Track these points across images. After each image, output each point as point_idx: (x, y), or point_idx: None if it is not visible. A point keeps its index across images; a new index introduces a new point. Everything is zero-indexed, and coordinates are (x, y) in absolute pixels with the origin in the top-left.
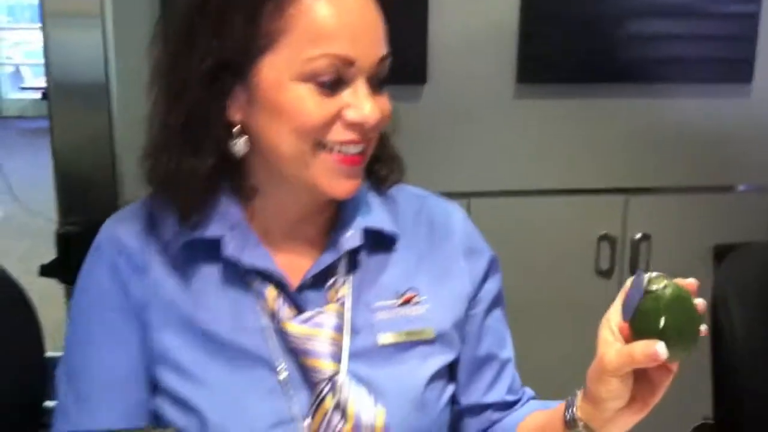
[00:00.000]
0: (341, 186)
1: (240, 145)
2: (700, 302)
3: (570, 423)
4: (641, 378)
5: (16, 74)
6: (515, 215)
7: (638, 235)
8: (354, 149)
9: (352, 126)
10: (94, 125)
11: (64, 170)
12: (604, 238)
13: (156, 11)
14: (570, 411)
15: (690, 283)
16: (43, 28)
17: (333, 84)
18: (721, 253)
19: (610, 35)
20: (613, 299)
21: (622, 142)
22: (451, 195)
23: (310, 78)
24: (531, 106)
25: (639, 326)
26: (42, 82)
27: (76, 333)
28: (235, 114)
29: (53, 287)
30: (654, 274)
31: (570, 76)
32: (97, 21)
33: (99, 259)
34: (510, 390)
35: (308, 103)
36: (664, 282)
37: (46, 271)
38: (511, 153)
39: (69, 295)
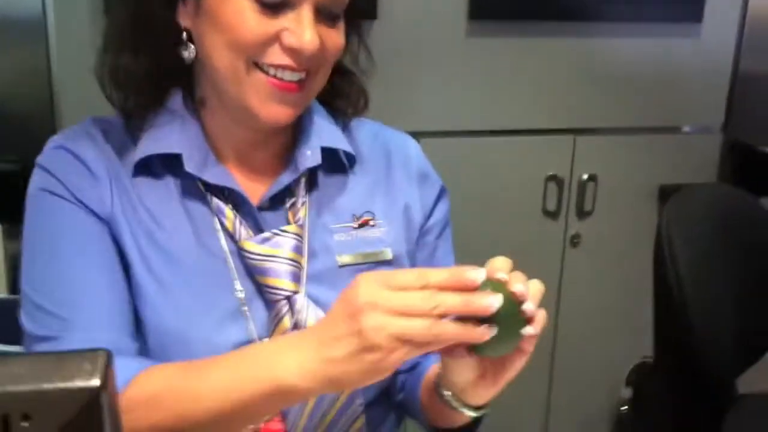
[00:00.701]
0: (272, 110)
1: (188, 51)
2: (517, 291)
3: (437, 391)
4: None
5: None
6: (464, 155)
7: (585, 176)
8: (290, 76)
9: (289, 51)
10: (31, 60)
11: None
12: (551, 178)
13: None
14: (437, 380)
15: (502, 278)
16: None
17: (276, 5)
18: (666, 194)
19: None
20: (559, 240)
21: (572, 81)
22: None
23: None
24: (482, 44)
25: None
26: None
27: (44, 243)
28: (185, 19)
29: None
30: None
31: (522, 13)
32: None
33: (54, 171)
34: None
35: (246, 19)
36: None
37: None
38: (461, 92)
39: (9, 233)
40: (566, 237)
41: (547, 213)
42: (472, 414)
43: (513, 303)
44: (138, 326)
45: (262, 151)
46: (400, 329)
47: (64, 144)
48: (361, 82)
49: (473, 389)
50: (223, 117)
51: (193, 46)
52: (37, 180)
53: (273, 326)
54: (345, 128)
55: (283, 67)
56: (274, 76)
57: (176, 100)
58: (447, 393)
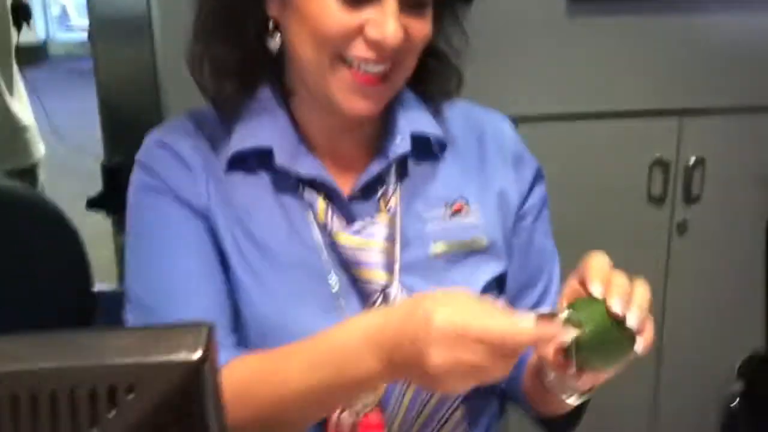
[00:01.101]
0: (357, 104)
1: (274, 41)
2: (615, 312)
3: (540, 376)
4: None
5: (63, 15)
6: (564, 139)
7: (692, 160)
8: (374, 68)
9: (373, 44)
10: (138, 59)
11: (108, 105)
12: (657, 162)
13: None
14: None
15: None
16: None
17: None
18: None
19: None
20: (664, 228)
21: (678, 60)
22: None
23: None
24: (582, 24)
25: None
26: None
27: (147, 238)
28: (273, 9)
29: (103, 225)
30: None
31: None
32: None
33: (153, 168)
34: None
35: (330, 12)
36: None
37: (92, 203)
38: (561, 74)
39: (118, 226)
40: (672, 224)
41: (652, 199)
42: (574, 402)
43: (613, 322)
44: (237, 319)
45: (351, 139)
46: (467, 378)
47: (162, 139)
48: (456, 63)
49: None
50: (312, 106)
51: (279, 36)
52: (137, 177)
53: None
54: (436, 111)
55: (367, 60)
56: (358, 68)
57: (266, 90)
58: (550, 378)
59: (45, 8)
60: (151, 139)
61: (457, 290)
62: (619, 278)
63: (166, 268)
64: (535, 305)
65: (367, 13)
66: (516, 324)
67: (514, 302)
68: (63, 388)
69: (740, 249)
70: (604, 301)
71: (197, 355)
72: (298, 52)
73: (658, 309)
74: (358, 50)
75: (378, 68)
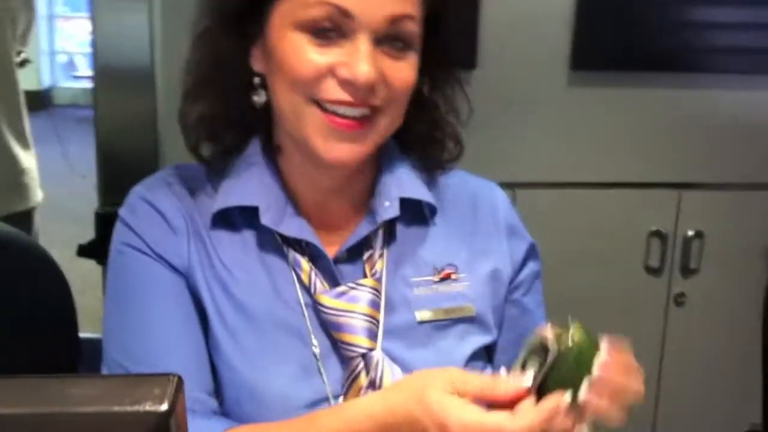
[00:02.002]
0: (334, 149)
1: (259, 97)
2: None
3: None
4: None
5: (71, 64)
6: (562, 208)
7: (691, 232)
8: (348, 111)
9: (344, 84)
10: (139, 109)
11: (106, 153)
12: (654, 234)
13: None
14: None
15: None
16: (92, 13)
17: (330, 36)
18: None
19: (668, 22)
20: (661, 298)
21: (678, 134)
22: (497, 185)
23: (307, 27)
24: (584, 94)
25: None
26: None
27: (121, 294)
28: (257, 64)
29: (95, 273)
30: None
31: (625, 63)
32: (144, 5)
33: (134, 226)
34: None
35: (302, 54)
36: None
37: (84, 251)
38: (560, 143)
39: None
40: (670, 295)
41: (649, 270)
42: None
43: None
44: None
45: (339, 199)
46: None
47: (145, 196)
48: (456, 131)
49: None
50: (300, 164)
51: (264, 92)
52: (118, 234)
53: (348, 384)
54: (429, 177)
55: (341, 103)
56: (333, 113)
57: (255, 147)
58: None
59: (52, 56)
60: (134, 195)
61: (452, 372)
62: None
63: (145, 330)
64: None
65: (339, 54)
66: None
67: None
68: None
69: (738, 323)
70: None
71: (164, 407)
72: (278, 100)
73: (654, 380)
74: (331, 92)
75: (353, 112)
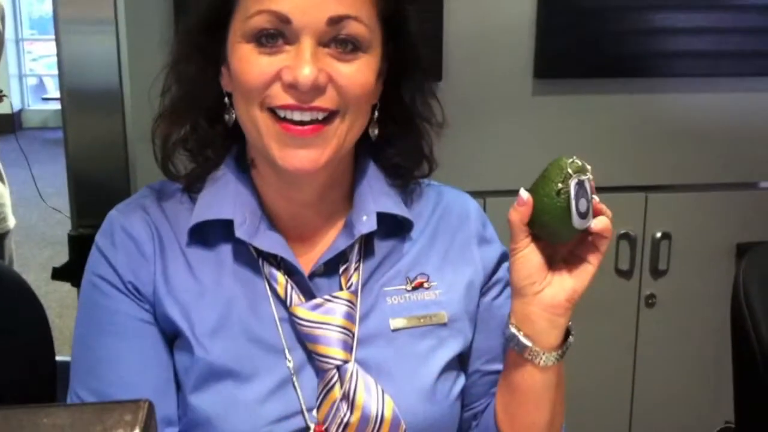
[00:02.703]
0: (291, 157)
1: (229, 115)
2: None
3: (511, 339)
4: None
5: (40, 86)
6: None
7: (658, 234)
8: (299, 116)
9: (288, 88)
10: (108, 130)
11: (78, 174)
12: (623, 236)
13: (169, 15)
14: (507, 330)
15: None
16: (56, 35)
17: (277, 44)
18: (744, 252)
19: (629, 29)
20: (632, 300)
21: (643, 138)
22: (467, 194)
23: (252, 37)
24: (549, 102)
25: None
26: None
27: (91, 326)
28: (226, 84)
29: (71, 295)
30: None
31: (589, 71)
32: (110, 27)
33: (108, 256)
34: None
35: (248, 63)
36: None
37: (58, 274)
38: (528, 151)
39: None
40: (641, 297)
41: (619, 272)
42: (548, 361)
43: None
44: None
45: (315, 213)
46: None
47: (119, 221)
48: (428, 140)
49: (547, 301)
50: (272, 177)
51: (233, 110)
52: (93, 263)
53: (322, 396)
54: (403, 188)
55: (290, 107)
56: (286, 120)
57: (229, 163)
58: (519, 333)
59: (21, 78)
60: (109, 220)
61: None
62: None
63: (108, 362)
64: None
65: (284, 59)
66: None
67: (479, 375)
68: None
69: (708, 321)
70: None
71: None
72: (239, 114)
73: (628, 381)
74: (279, 97)
75: (305, 116)
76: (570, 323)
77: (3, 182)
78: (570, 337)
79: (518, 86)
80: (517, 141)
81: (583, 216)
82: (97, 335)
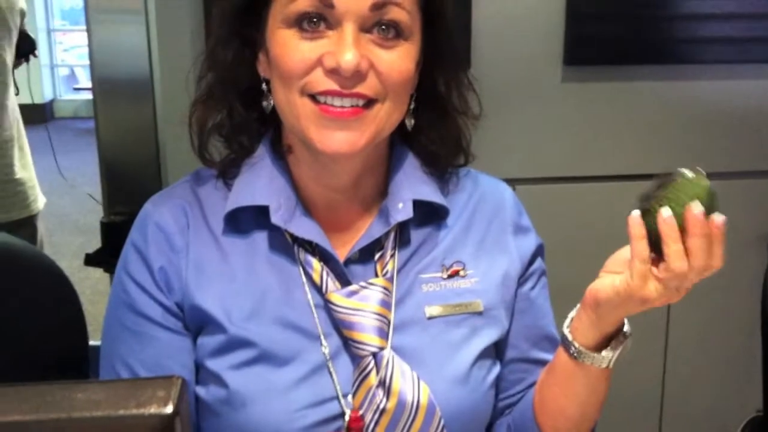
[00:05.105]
0: (330, 140)
1: (267, 101)
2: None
3: (569, 346)
4: None
5: (71, 76)
6: (561, 202)
7: None
8: (339, 102)
9: (330, 74)
10: (139, 118)
11: (109, 162)
12: None
13: (198, 4)
14: (572, 348)
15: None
16: (88, 26)
17: (319, 29)
18: None
19: (659, 15)
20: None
21: (671, 126)
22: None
23: (293, 22)
24: (578, 89)
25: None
26: None
27: (116, 323)
28: (263, 69)
29: (105, 280)
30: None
31: (618, 57)
32: (140, 17)
33: (143, 248)
34: None
35: (291, 47)
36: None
37: (91, 260)
38: (557, 138)
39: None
40: None
41: None
42: (595, 361)
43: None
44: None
45: (350, 199)
46: None
47: (152, 216)
48: (465, 130)
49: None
50: (308, 163)
51: (271, 96)
52: (127, 260)
53: (358, 382)
54: (440, 176)
55: (331, 93)
56: (324, 103)
57: (264, 149)
58: (574, 342)
59: (53, 69)
60: (144, 215)
61: None
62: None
63: (122, 368)
64: (542, 366)
65: (326, 45)
66: None
67: (514, 364)
68: None
69: (741, 310)
70: None
71: (169, 409)
72: (277, 99)
73: (658, 370)
74: (320, 83)
75: (345, 102)
76: (625, 342)
77: (29, 165)
78: (614, 351)
79: (548, 73)
80: (546, 128)
81: None
82: (120, 331)
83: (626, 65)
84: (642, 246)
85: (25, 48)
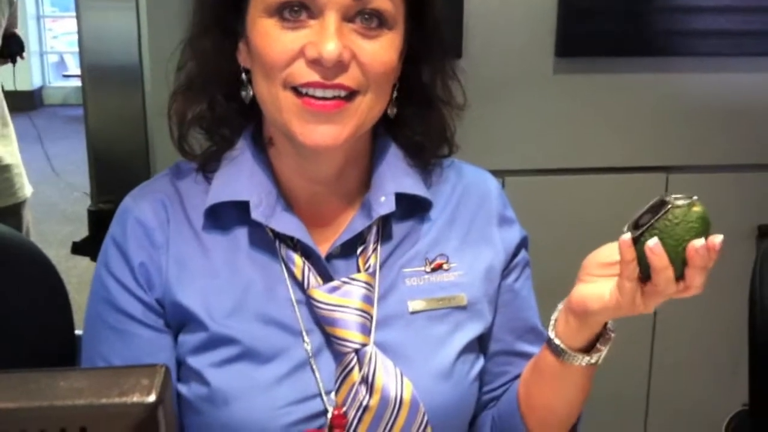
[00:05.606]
0: (312, 133)
1: (246, 92)
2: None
3: (558, 351)
4: None
5: (61, 63)
6: (551, 194)
7: None
8: (321, 93)
9: (313, 64)
10: (128, 106)
11: (97, 149)
12: None
13: None
14: (562, 352)
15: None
16: (78, 12)
17: (300, 18)
18: (764, 234)
19: (651, 7)
20: None
21: (663, 118)
22: (488, 172)
23: (274, 11)
24: (569, 81)
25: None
26: None
27: (97, 318)
28: (243, 59)
29: (92, 269)
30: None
31: (610, 49)
32: (130, 3)
33: (123, 243)
34: None
35: (270, 38)
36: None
37: (78, 248)
38: (548, 130)
39: None
40: None
41: None
42: (584, 362)
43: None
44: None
45: (332, 192)
46: None
47: (132, 211)
48: (449, 120)
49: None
50: (290, 156)
51: (251, 86)
52: (107, 255)
53: (341, 379)
54: (423, 168)
55: (313, 85)
56: (308, 96)
57: (245, 142)
58: (561, 345)
59: (42, 56)
60: (123, 210)
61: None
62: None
63: (119, 345)
64: (526, 358)
65: (308, 35)
66: None
67: (498, 357)
68: (12, 429)
69: (727, 304)
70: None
71: (152, 397)
72: (258, 90)
73: (645, 363)
74: (302, 75)
75: (327, 93)
76: (607, 343)
77: (15, 152)
78: (598, 353)
79: (539, 64)
80: (537, 120)
81: None
82: (101, 328)
83: (618, 57)
84: (631, 268)
85: (14, 48)
